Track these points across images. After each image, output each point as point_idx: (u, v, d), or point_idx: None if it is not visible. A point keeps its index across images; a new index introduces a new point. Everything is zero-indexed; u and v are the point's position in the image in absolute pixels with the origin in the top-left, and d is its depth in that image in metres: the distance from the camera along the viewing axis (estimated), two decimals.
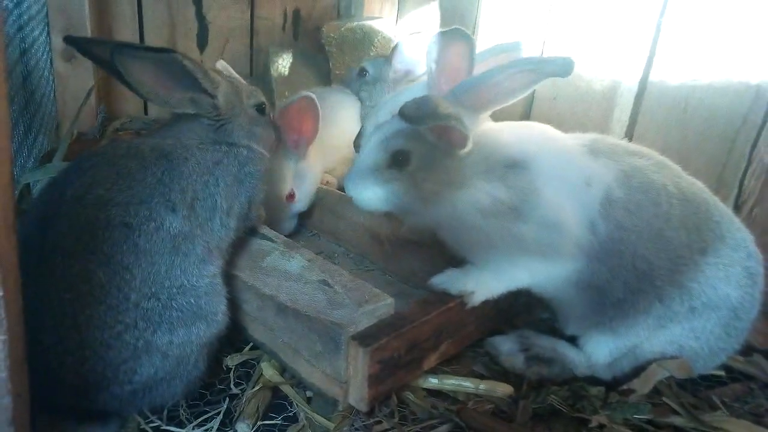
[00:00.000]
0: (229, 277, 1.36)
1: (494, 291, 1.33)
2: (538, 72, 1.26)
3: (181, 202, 1.22)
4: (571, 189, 1.25)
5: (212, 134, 1.37)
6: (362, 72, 2.34)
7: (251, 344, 1.41)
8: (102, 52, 1.29)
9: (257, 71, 3.14)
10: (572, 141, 1.35)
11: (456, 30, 1.41)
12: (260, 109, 1.49)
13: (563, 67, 1.24)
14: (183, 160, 1.26)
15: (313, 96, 1.70)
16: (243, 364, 1.36)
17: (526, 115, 2.54)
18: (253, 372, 1.33)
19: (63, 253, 1.09)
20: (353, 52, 3.01)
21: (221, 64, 1.72)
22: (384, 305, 1.22)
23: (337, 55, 2.98)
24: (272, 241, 1.48)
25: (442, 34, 1.42)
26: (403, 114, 1.13)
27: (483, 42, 2.73)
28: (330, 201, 1.85)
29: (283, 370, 1.33)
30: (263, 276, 1.37)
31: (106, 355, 1.09)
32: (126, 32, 2.79)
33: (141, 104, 2.93)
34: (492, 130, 1.34)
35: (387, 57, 2.26)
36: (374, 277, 1.71)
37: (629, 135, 2.17)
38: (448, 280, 1.33)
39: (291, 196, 1.80)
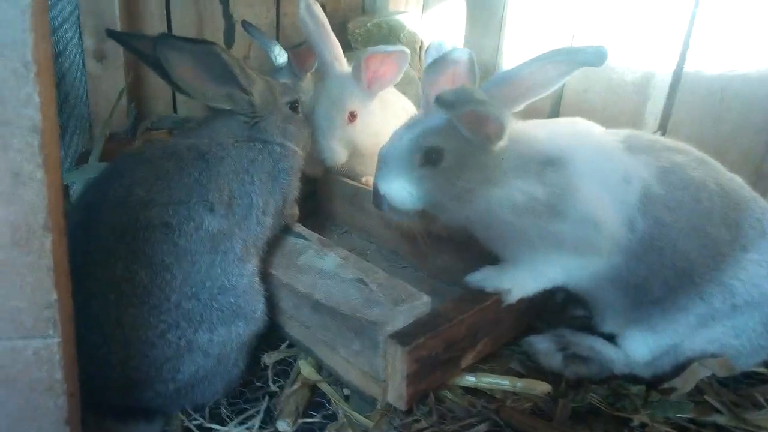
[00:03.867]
0: (264, 275, 1.37)
1: (530, 289, 1.32)
2: (570, 62, 1.23)
3: (219, 201, 1.23)
4: (608, 186, 1.24)
5: (247, 131, 1.38)
6: None
7: (287, 341, 1.42)
8: (143, 45, 1.30)
9: None
10: (608, 137, 1.33)
11: (445, 57, 1.29)
12: (294, 106, 1.50)
13: (596, 56, 1.21)
14: (219, 159, 1.28)
15: (408, 53, 1.69)
16: (280, 361, 1.37)
17: (555, 108, 2.51)
18: (291, 369, 1.34)
19: (106, 254, 1.11)
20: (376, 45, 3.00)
21: (306, 2, 1.75)
22: (421, 303, 1.22)
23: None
24: (306, 239, 1.49)
25: (430, 67, 1.32)
26: (440, 101, 1.12)
27: (511, 34, 2.71)
28: (362, 198, 1.85)
29: (320, 367, 1.34)
30: (298, 274, 1.38)
31: (150, 353, 1.11)
32: (154, 32, 2.81)
33: (170, 103, 2.96)
34: (526, 127, 1.32)
35: None
36: (407, 274, 1.71)
37: (663, 127, 2.14)
38: (484, 278, 1.32)
39: (353, 116, 1.74)
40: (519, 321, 1.41)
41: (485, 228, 1.31)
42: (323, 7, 3.25)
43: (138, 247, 1.12)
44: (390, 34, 3.01)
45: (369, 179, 1.87)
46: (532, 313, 1.43)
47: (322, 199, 2.00)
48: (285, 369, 1.35)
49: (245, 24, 2.55)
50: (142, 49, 1.29)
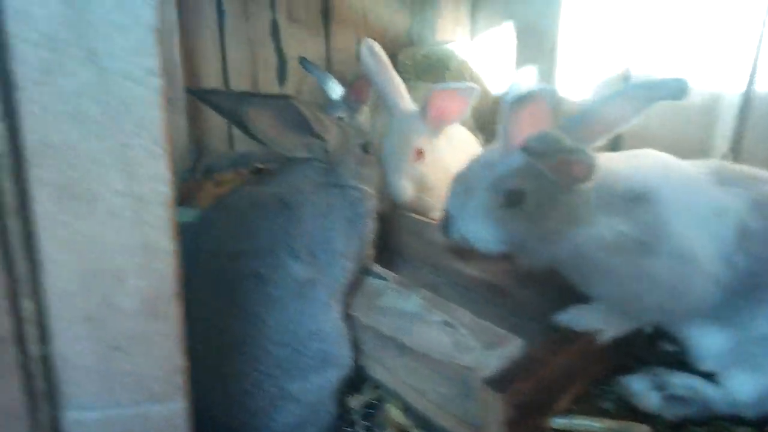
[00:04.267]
0: (344, 317, 1.38)
1: (624, 328, 1.29)
2: (650, 98, 1.22)
3: (303, 249, 1.25)
4: (700, 221, 1.20)
5: (324, 177, 1.40)
6: None
7: (371, 383, 1.42)
8: (223, 101, 1.34)
9: None
10: (695, 168, 1.30)
11: (529, 94, 1.24)
12: (366, 148, 1.52)
13: (678, 91, 1.20)
14: (300, 206, 1.30)
15: (477, 88, 1.70)
16: (365, 404, 1.37)
17: None
18: (376, 412, 1.34)
19: (203, 307, 1.13)
20: (429, 77, 3.02)
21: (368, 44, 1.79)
22: (513, 347, 1.20)
23: (414, 82, 3.00)
24: (384, 279, 1.49)
25: (512, 106, 1.27)
26: (530, 151, 1.11)
27: (563, 60, 2.69)
28: (430, 233, 1.84)
29: (407, 410, 1.33)
30: (380, 316, 1.38)
31: (247, 403, 1.12)
32: (211, 70, 2.91)
33: (226, 139, 3.03)
34: (607, 161, 1.30)
35: None
36: (484, 310, 1.69)
37: (735, 151, 2.08)
38: (575, 318, 1.30)
39: (420, 153, 1.76)
40: (609, 359, 1.37)
41: (573, 267, 1.29)
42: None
43: (233, 299, 1.14)
44: (439, 63, 3.02)
45: (437, 214, 1.87)
46: (621, 350, 1.39)
47: (391, 235, 2.00)
48: (370, 412, 1.35)
49: (303, 60, 2.60)
50: (222, 105, 1.33)
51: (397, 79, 1.84)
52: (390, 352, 1.32)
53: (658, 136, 2.28)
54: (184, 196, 2.12)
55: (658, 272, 1.19)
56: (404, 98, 1.83)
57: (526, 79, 1.40)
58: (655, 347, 1.45)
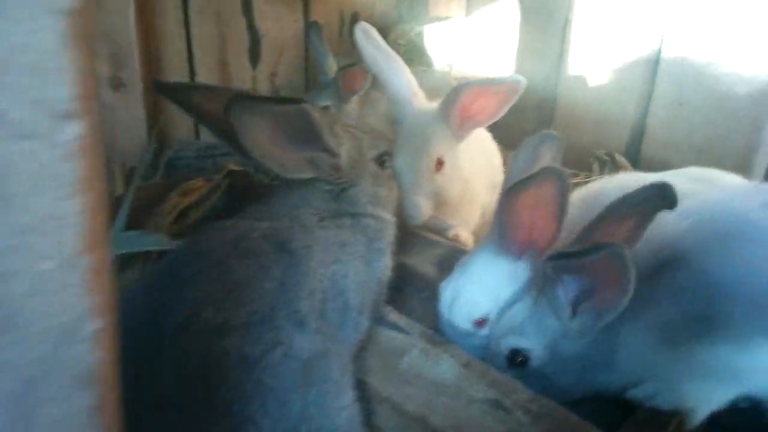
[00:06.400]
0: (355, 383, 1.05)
1: (719, 401, 0.99)
2: (643, 212, 0.96)
3: (311, 311, 0.90)
4: None
5: (333, 203, 1.06)
6: None
7: None
8: (202, 100, 0.97)
9: (312, 84, 2.86)
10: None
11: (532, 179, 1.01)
12: (381, 161, 1.17)
13: (662, 199, 0.93)
14: (306, 250, 0.95)
15: (523, 81, 1.35)
16: None
17: (638, 125, 2.16)
18: None
19: (169, 406, 0.78)
20: (422, 58, 2.70)
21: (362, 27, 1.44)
22: None
23: (407, 63, 2.65)
24: (406, 332, 1.15)
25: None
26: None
27: (579, 40, 2.35)
28: (451, 259, 1.51)
29: None
30: (403, 385, 1.05)
31: None
32: (173, 52, 2.51)
33: (191, 128, 2.64)
34: None
35: None
36: None
37: None
38: (656, 395, 0.99)
39: (440, 163, 1.41)
40: None
41: None
42: (356, 15, 2.95)
43: (211, 395, 0.79)
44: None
45: (458, 233, 1.53)
46: None
47: (400, 258, 1.65)
48: None
49: (314, 26, 2.27)
50: (201, 105, 0.96)
51: (407, 72, 1.48)
52: None
53: (696, 130, 1.99)
54: (143, 209, 1.73)
55: None
56: (418, 95, 1.47)
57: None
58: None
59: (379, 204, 1.12)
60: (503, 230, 1.07)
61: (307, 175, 1.03)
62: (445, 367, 1.06)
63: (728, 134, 1.92)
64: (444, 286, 1.16)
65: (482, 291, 1.11)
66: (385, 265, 1.10)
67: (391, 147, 1.22)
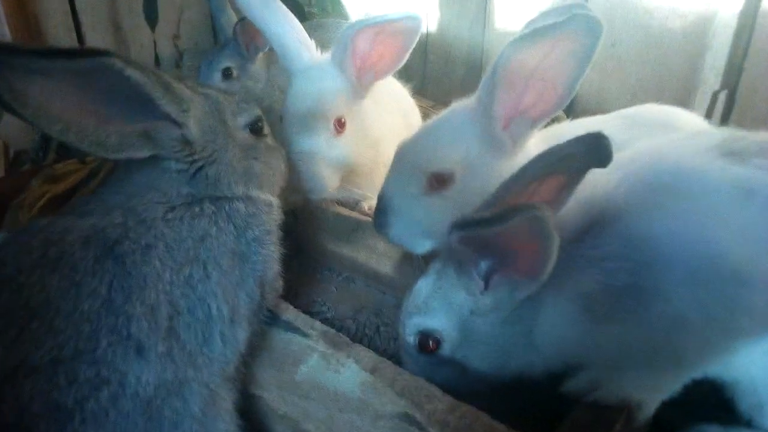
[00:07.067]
0: (244, 397, 0.86)
1: (669, 390, 0.85)
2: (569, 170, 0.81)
3: (151, 331, 0.69)
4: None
5: (185, 187, 0.83)
6: None
7: None
8: None
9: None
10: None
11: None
12: (256, 128, 0.95)
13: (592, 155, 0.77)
14: (143, 252, 0.73)
15: (420, 18, 1.14)
16: None
17: None
18: None
19: None
20: (337, 8, 2.46)
21: None
22: None
23: (320, 16, 2.40)
24: (304, 334, 0.96)
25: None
26: None
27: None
28: (364, 233, 1.32)
29: None
30: (300, 399, 0.87)
31: None
32: (55, 10, 2.19)
33: None
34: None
35: None
36: None
37: (730, 88, 1.66)
38: (594, 386, 0.84)
39: (341, 124, 1.21)
40: None
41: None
42: None
43: None
44: None
45: (371, 204, 1.33)
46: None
47: (307, 235, 1.44)
48: None
49: None
50: None
51: (293, 19, 1.23)
52: None
53: (631, 69, 1.84)
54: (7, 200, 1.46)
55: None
56: (308, 45, 1.23)
57: None
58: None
59: (252, 182, 0.90)
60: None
61: (144, 153, 0.79)
62: (348, 375, 0.88)
63: (665, 72, 1.78)
64: None
65: None
66: (267, 257, 0.89)
67: (273, 110, 1.00)
